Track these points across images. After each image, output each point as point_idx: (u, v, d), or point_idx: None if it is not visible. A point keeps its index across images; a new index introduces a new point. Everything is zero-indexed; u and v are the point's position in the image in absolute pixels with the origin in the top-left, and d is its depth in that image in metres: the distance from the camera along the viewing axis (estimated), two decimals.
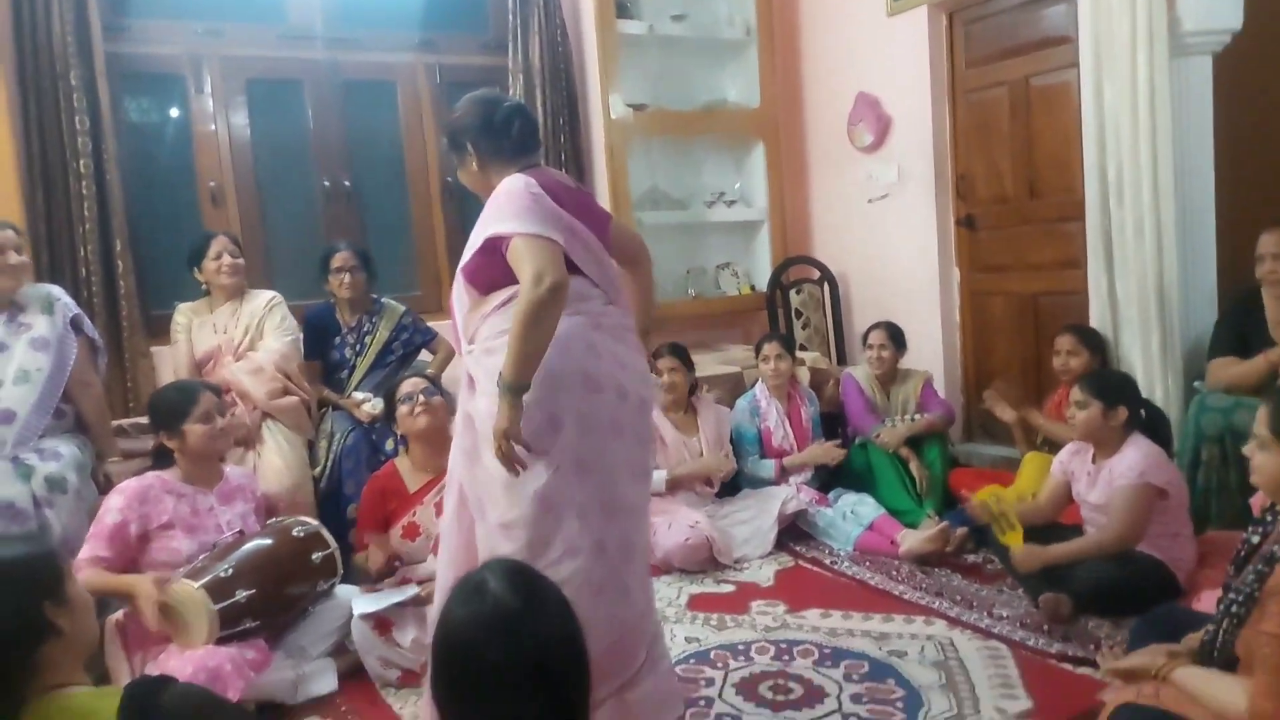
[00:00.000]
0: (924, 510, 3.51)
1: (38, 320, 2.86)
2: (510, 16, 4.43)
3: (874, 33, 4.56)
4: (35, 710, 1.20)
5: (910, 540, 3.28)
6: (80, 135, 3.56)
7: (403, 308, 3.72)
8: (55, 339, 2.87)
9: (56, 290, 2.97)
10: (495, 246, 1.95)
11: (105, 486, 2.93)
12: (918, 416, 3.81)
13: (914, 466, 3.66)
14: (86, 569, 2.40)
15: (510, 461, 1.91)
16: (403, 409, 2.91)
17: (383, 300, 3.70)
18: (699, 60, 5.00)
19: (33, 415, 2.77)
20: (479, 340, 2.03)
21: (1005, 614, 2.74)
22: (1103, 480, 2.72)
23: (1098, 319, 3.58)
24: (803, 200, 5.15)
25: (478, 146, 2.12)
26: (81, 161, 3.57)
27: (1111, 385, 2.79)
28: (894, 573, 3.18)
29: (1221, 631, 1.72)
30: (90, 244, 3.61)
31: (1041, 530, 2.84)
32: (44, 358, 2.83)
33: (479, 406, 2.00)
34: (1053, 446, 3.35)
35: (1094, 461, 2.78)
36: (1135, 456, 2.65)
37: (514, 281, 1.92)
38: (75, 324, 2.95)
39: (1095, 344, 3.44)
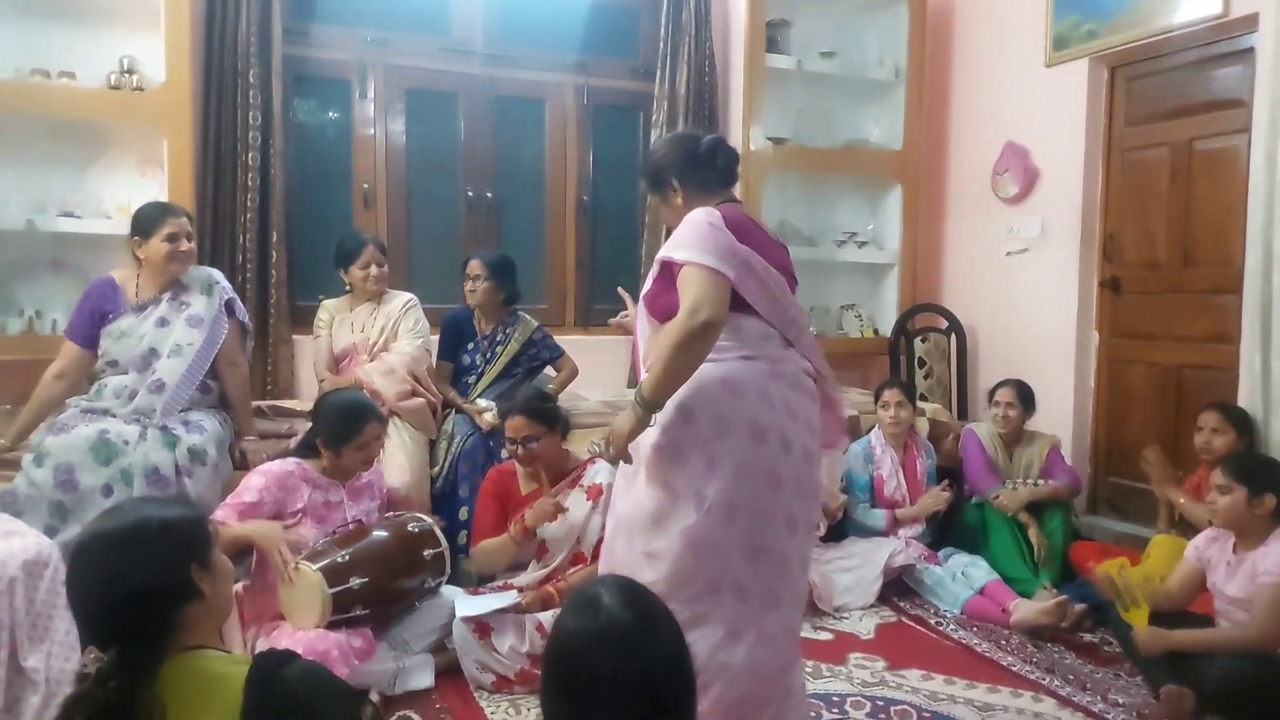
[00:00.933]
0: (1040, 581, 3.36)
1: (197, 300, 3.04)
2: (661, 44, 4.51)
3: (1029, 82, 4.44)
4: (171, 668, 1.27)
5: (1024, 610, 3.15)
6: (252, 130, 3.80)
7: (536, 323, 3.80)
8: (210, 318, 3.04)
9: (217, 274, 3.16)
10: (671, 276, 1.97)
11: (239, 462, 3.09)
12: (1041, 482, 3.66)
13: (1033, 533, 3.51)
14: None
15: (627, 454, 1.99)
16: (508, 446, 2.98)
17: (519, 313, 3.79)
18: (844, 98, 4.97)
19: (180, 386, 2.94)
20: None
21: (1122, 701, 2.59)
22: (1244, 573, 2.54)
23: (1247, 399, 3.37)
24: (936, 247, 5.04)
25: (684, 181, 2.14)
26: (250, 155, 3.81)
27: (1259, 470, 2.62)
28: (1003, 642, 3.05)
29: None
30: (249, 233, 3.84)
31: (1168, 617, 2.67)
32: (198, 334, 3.00)
33: (648, 435, 2.01)
34: (1184, 529, 3.17)
35: (1235, 551, 2.61)
36: None
37: None
38: (229, 306, 3.12)
39: (1242, 424, 3.24)
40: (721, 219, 1.98)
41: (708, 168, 2.13)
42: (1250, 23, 3.46)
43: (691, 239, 1.94)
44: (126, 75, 3.58)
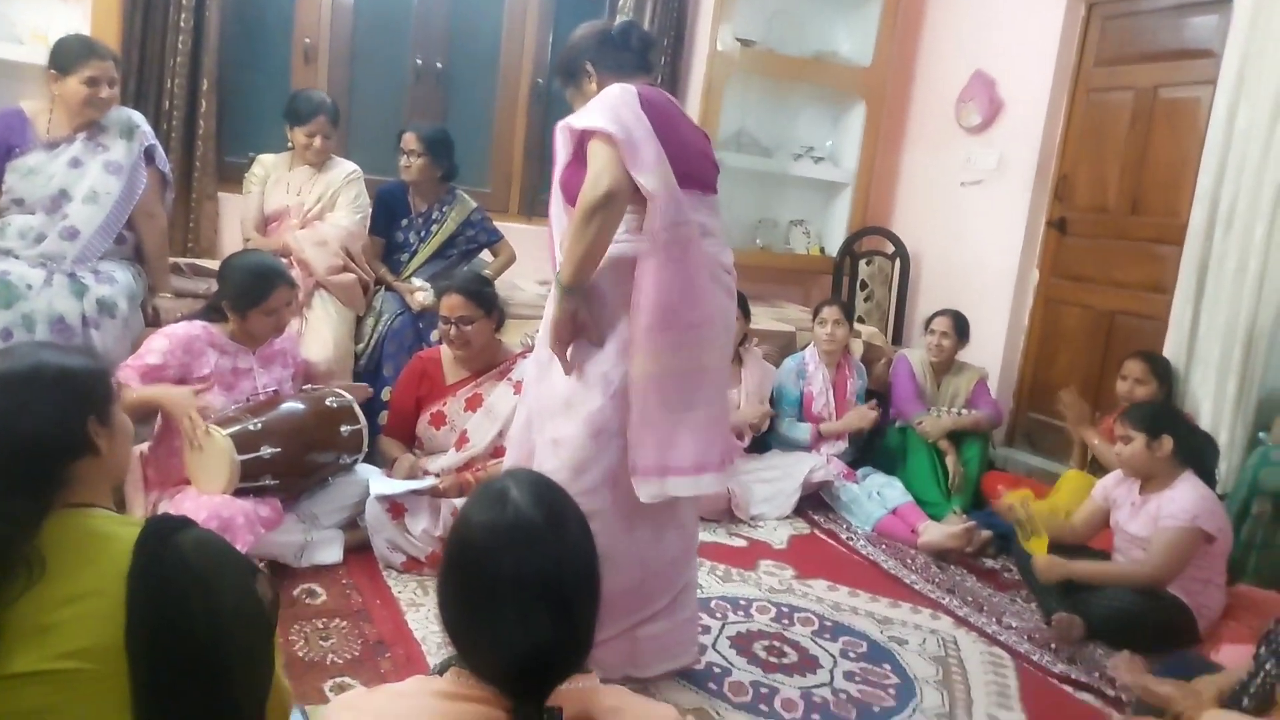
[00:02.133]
0: (951, 506, 3.44)
1: (115, 144, 2.86)
2: None
3: (1006, 10, 4.34)
4: (55, 523, 1.20)
5: (932, 532, 3.22)
6: None
7: (475, 204, 3.66)
8: (129, 166, 2.87)
9: (138, 117, 2.96)
10: (583, 154, 1.89)
11: (152, 319, 2.97)
12: (965, 411, 3.72)
13: (950, 461, 3.58)
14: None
15: (563, 350, 1.94)
16: (441, 326, 2.88)
17: (457, 191, 3.65)
18: (819, 5, 4.82)
19: (96, 236, 2.79)
20: None
21: (1015, 624, 2.68)
22: (1147, 513, 2.62)
23: (1172, 349, 3.44)
24: (893, 170, 4.99)
25: (597, 64, 2.07)
26: None
27: (1155, 415, 2.70)
28: (909, 561, 3.13)
29: (1264, 673, 1.68)
30: (178, 78, 3.61)
31: (1068, 550, 2.76)
32: (115, 182, 2.83)
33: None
34: (1095, 469, 3.25)
35: (1140, 492, 2.69)
36: (1190, 496, 2.55)
37: None
38: (149, 154, 2.95)
39: (1165, 375, 3.31)
40: (636, 94, 1.90)
41: (623, 49, 2.07)
42: None
43: (601, 107, 1.88)
44: None
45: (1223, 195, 3.30)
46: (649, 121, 1.87)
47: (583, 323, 1.95)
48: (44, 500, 1.20)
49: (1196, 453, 2.68)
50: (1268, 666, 1.87)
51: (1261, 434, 3.14)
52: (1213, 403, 3.27)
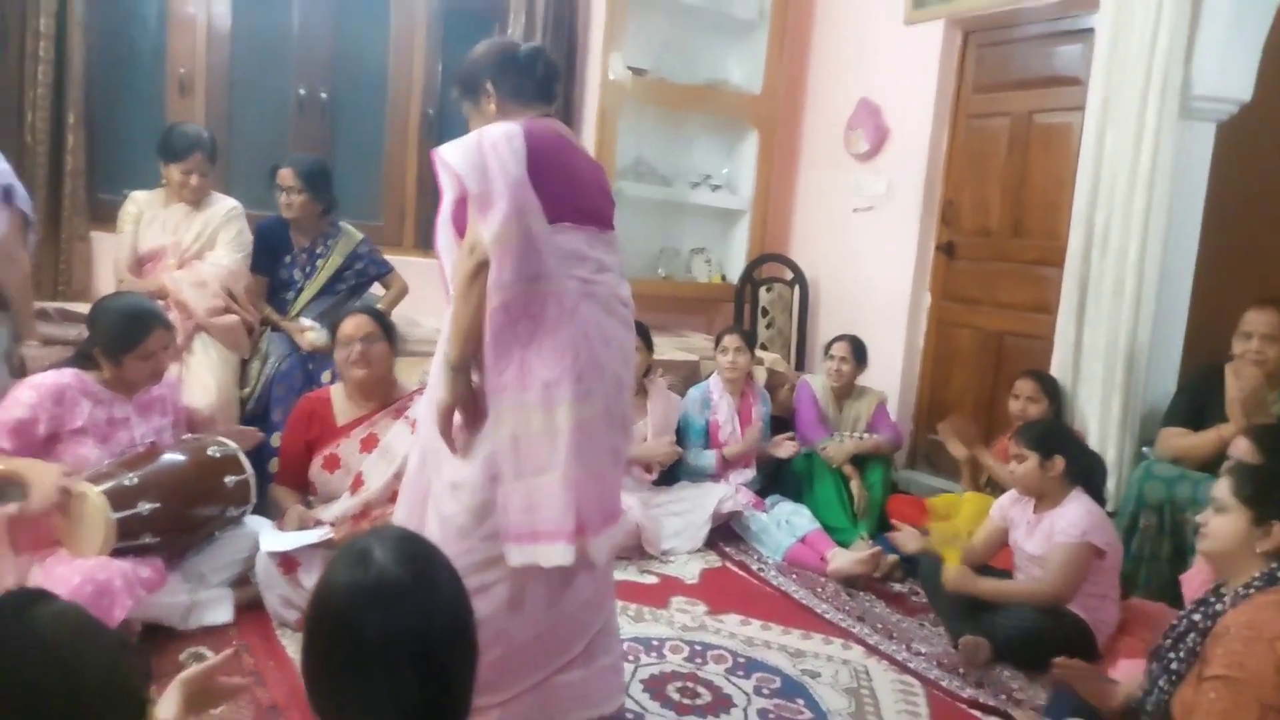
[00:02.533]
0: (858, 531, 3.48)
1: None
2: None
3: (887, 39, 4.48)
4: None
5: (840, 559, 3.24)
6: None
7: (361, 235, 3.55)
8: None
9: None
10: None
11: (18, 370, 2.76)
12: (866, 435, 3.77)
13: (854, 485, 3.62)
14: None
15: (449, 436, 1.87)
16: (339, 353, 2.77)
17: (340, 225, 3.53)
18: (707, 34, 4.87)
19: None
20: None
21: (924, 650, 2.71)
22: (1041, 531, 2.69)
23: (1059, 368, 3.57)
24: (788, 197, 5.07)
25: (498, 86, 2.01)
26: (43, 20, 3.35)
27: (1048, 435, 2.78)
28: (819, 590, 3.14)
29: (1158, 690, 1.71)
30: (40, 111, 3.40)
31: (975, 569, 2.81)
32: None
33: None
34: (995, 489, 3.34)
35: (1035, 511, 2.76)
36: (1078, 513, 2.63)
37: None
38: (7, 193, 2.75)
39: (1055, 393, 3.43)
40: (523, 135, 1.85)
41: (526, 75, 2.02)
42: (1091, 3, 3.56)
43: (465, 149, 1.83)
44: None
45: (1097, 217, 3.45)
46: (528, 164, 1.82)
47: (469, 402, 1.88)
48: None
49: (1086, 471, 2.77)
50: (1160, 683, 1.93)
51: (1145, 449, 3.27)
52: (1099, 420, 3.39)
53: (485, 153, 1.81)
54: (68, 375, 2.43)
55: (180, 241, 3.17)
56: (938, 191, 4.34)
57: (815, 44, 4.93)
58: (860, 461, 3.69)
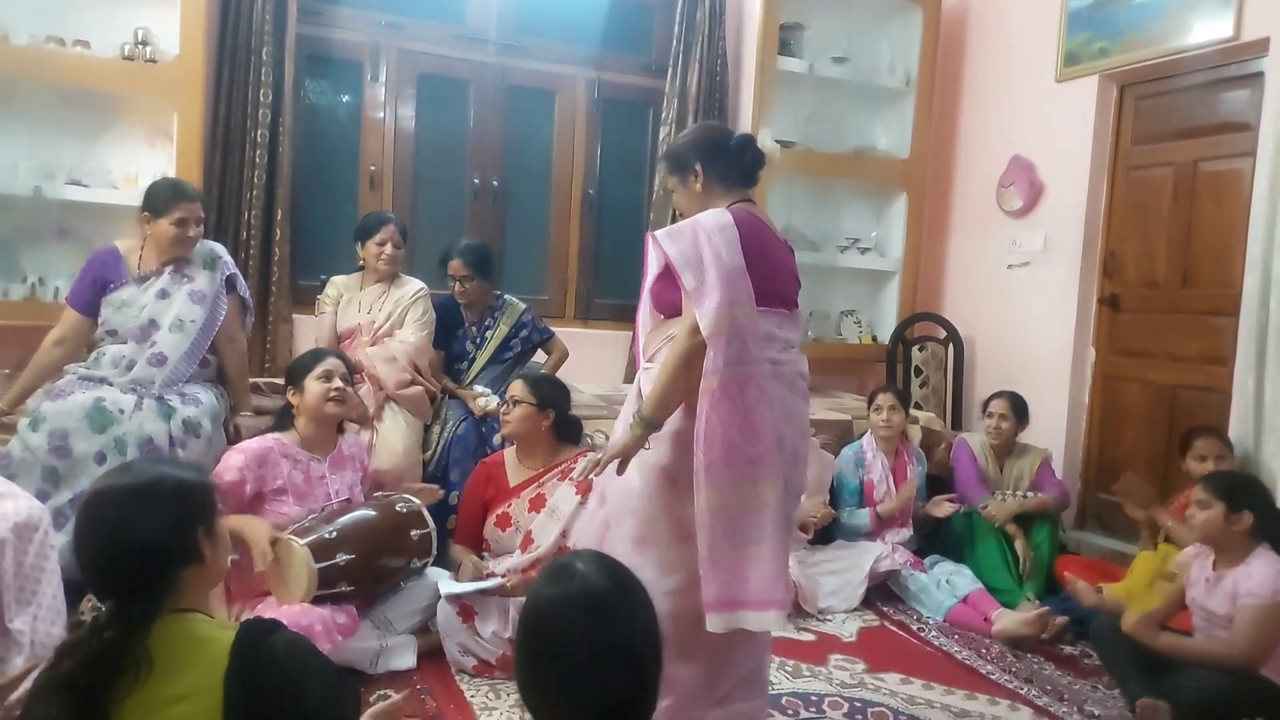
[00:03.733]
0: (1024, 592, 3.38)
1: (199, 275, 3.05)
2: (675, 42, 4.53)
3: (1038, 97, 4.46)
4: (162, 626, 1.28)
5: (1006, 620, 3.16)
6: (262, 107, 3.82)
7: (523, 305, 3.83)
8: (211, 294, 3.05)
9: (219, 248, 3.17)
10: (675, 273, 2.00)
11: (234, 437, 3.10)
12: (1030, 494, 3.68)
13: (1019, 545, 3.53)
14: None
15: (601, 470, 2.05)
16: (504, 411, 3.01)
17: (505, 297, 3.81)
18: (854, 104, 4.99)
19: (182, 362, 2.96)
20: (658, 360, 2.08)
21: (1098, 712, 2.61)
22: (1222, 590, 2.56)
23: (1238, 421, 3.38)
24: (939, 257, 5.06)
25: (706, 168, 2.16)
26: (259, 132, 3.83)
27: (1239, 487, 2.64)
28: (984, 651, 3.07)
29: None
30: (255, 210, 3.86)
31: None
32: (199, 310, 3.01)
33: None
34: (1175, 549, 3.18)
35: (1214, 568, 2.62)
36: (1267, 573, 2.48)
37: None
38: (230, 282, 3.13)
39: (1232, 449, 3.26)
40: (733, 222, 2.00)
41: (734, 161, 2.16)
42: (1261, 47, 3.48)
43: (683, 239, 1.98)
44: (141, 46, 3.59)
45: (1274, 262, 3.30)
46: (741, 252, 1.97)
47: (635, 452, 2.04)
48: (156, 605, 1.29)
49: (1275, 529, 2.62)
50: None
51: None
52: None
53: (701, 244, 1.97)
54: (269, 440, 2.73)
55: (374, 320, 3.49)
56: (1098, 245, 4.24)
57: (964, 106, 4.96)
58: (1024, 521, 3.59)
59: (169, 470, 1.40)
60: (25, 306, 3.49)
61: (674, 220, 2.18)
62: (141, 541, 1.30)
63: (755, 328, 1.98)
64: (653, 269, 2.11)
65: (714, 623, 1.94)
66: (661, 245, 2.01)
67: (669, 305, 2.09)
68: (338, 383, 2.77)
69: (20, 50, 3.44)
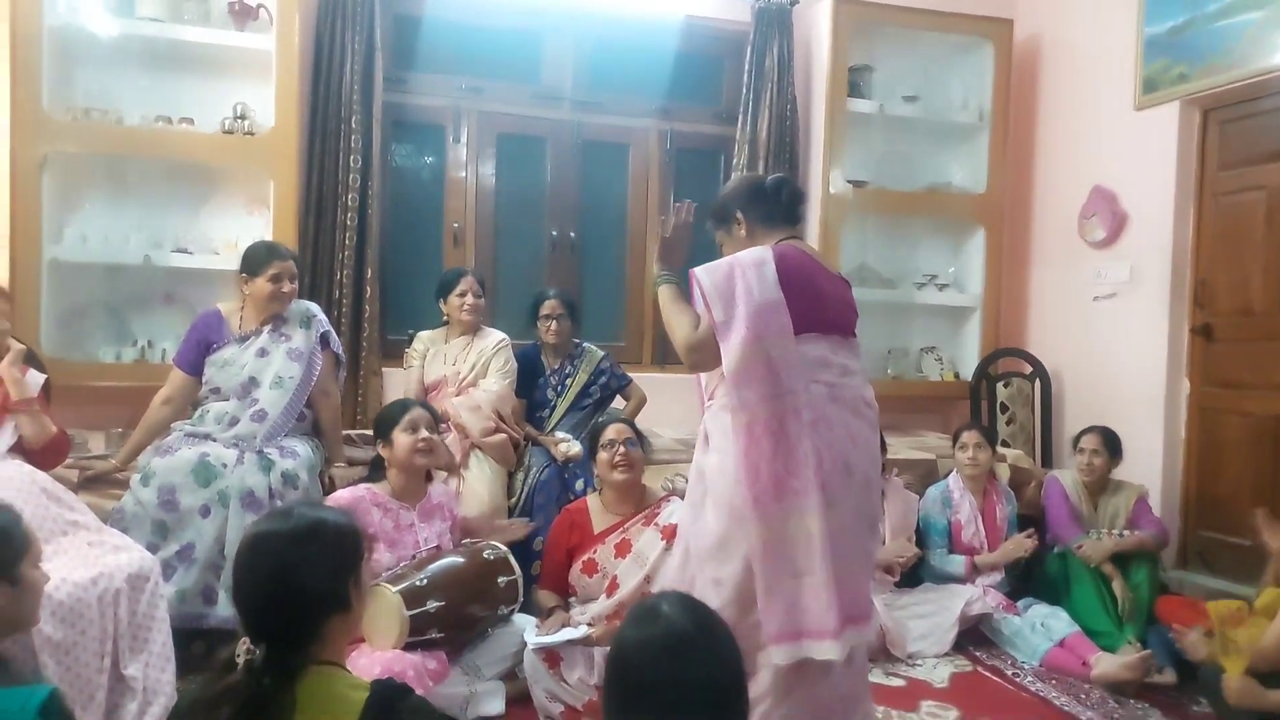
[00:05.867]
0: (1124, 635, 3.25)
1: (296, 333, 3.21)
2: (744, 90, 4.60)
3: (1117, 126, 4.38)
4: (307, 679, 1.30)
5: (1106, 664, 3.05)
6: (352, 173, 4.02)
7: (602, 353, 3.90)
8: (307, 351, 3.19)
9: (315, 307, 3.32)
10: None
11: (329, 488, 3.23)
12: (1127, 533, 3.55)
13: (1117, 586, 3.40)
14: None
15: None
16: (603, 455, 3.02)
17: (584, 345, 3.90)
18: (926, 141, 4.97)
19: (281, 417, 3.10)
20: (719, 397, 2.11)
21: None
22: None
23: None
24: (1021, 291, 4.97)
25: (747, 214, 2.25)
26: (350, 196, 4.02)
27: None
28: (1083, 696, 2.97)
29: None
30: (346, 270, 4.04)
31: (1263, 677, 2.56)
32: (297, 367, 3.16)
33: (710, 462, 2.09)
34: None
35: None
36: None
37: None
38: (325, 339, 3.28)
39: None
40: (772, 258, 2.05)
41: (772, 202, 2.23)
42: None
43: (717, 275, 2.06)
44: (239, 120, 3.83)
45: None
46: (780, 286, 2.02)
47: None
48: (306, 654, 1.31)
49: None
50: None
51: None
52: None
53: (735, 278, 2.03)
54: (361, 490, 2.83)
55: (459, 372, 3.61)
56: (1187, 273, 4.12)
57: (1040, 138, 4.90)
58: (1122, 561, 3.46)
59: (328, 515, 1.40)
60: (135, 368, 3.71)
61: None
62: (300, 586, 1.30)
63: (791, 358, 2.00)
64: (699, 303, 2.15)
65: (779, 655, 1.94)
66: (698, 279, 2.07)
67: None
68: (424, 433, 2.86)
69: (133, 131, 3.71)
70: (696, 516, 2.14)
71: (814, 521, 1.95)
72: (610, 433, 3.03)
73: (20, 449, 2.65)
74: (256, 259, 3.16)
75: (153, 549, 2.73)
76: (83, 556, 2.39)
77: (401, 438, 2.84)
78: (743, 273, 2.03)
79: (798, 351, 2.03)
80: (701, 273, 2.09)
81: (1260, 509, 3.21)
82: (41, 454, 2.68)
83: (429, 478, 3.00)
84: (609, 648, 1.26)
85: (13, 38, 3.46)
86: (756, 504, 1.96)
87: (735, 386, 1.99)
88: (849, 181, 4.62)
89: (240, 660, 1.28)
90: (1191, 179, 4.11)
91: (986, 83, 4.77)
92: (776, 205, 2.23)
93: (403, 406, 2.93)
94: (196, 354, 3.16)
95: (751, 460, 1.97)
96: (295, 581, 1.30)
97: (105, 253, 3.72)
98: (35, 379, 2.73)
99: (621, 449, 2.98)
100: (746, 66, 4.59)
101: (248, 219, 3.99)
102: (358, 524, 1.46)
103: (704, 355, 2.06)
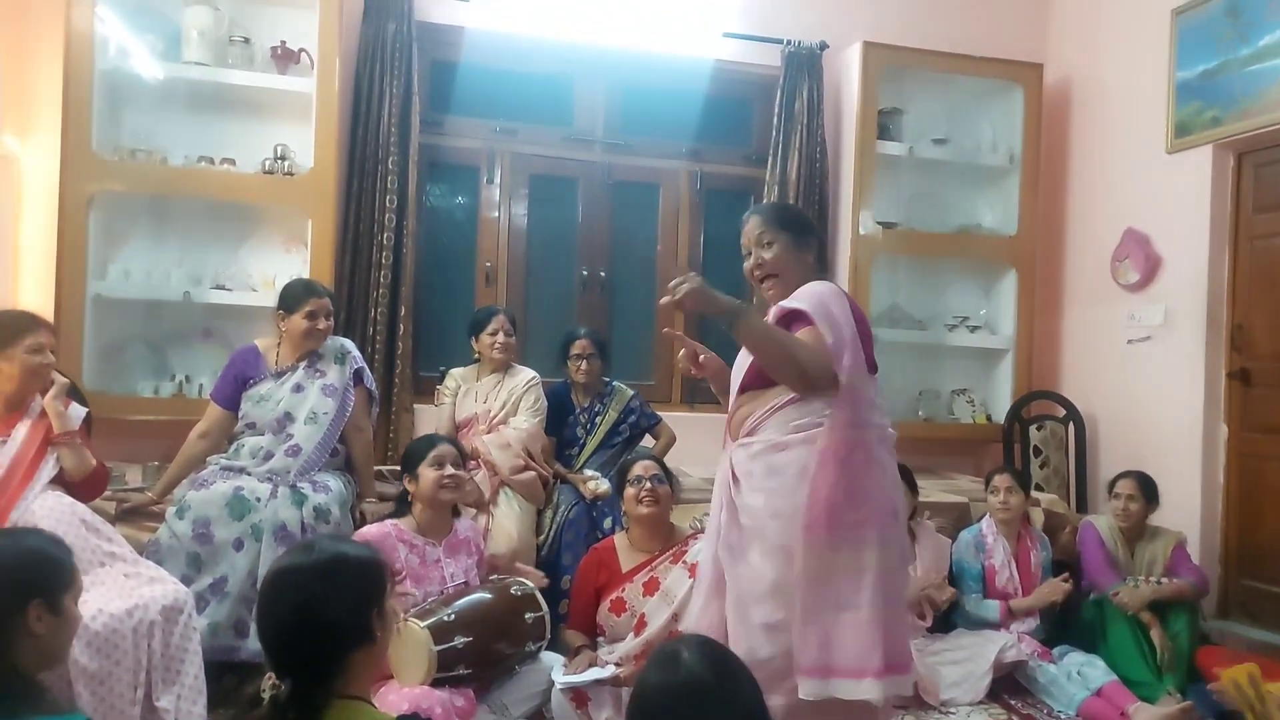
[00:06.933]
0: (1164, 686, 3.17)
1: (331, 369, 3.25)
2: (774, 133, 4.65)
3: (1149, 169, 4.37)
4: (332, 713, 1.30)
5: (1145, 715, 2.98)
6: (388, 213, 4.09)
7: (631, 391, 3.92)
8: (342, 387, 3.23)
9: (349, 344, 3.37)
10: (787, 325, 2.07)
11: (360, 522, 3.24)
12: (1165, 580, 3.48)
13: (1156, 634, 3.32)
14: None
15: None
16: (630, 490, 3.03)
17: (613, 384, 3.92)
18: (956, 184, 4.98)
19: (315, 452, 3.14)
20: (762, 434, 2.07)
21: None
22: None
23: None
24: (1053, 333, 4.94)
25: (817, 250, 2.28)
26: (385, 235, 4.09)
27: None
28: None
29: None
30: (380, 308, 4.10)
31: None
32: (331, 403, 3.20)
33: (750, 502, 2.05)
34: None
35: None
36: None
37: None
38: (358, 375, 3.32)
39: None
40: (844, 294, 2.08)
41: (821, 249, 2.28)
42: None
43: (810, 300, 2.04)
44: (280, 161, 3.93)
45: None
46: (854, 319, 2.04)
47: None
48: (331, 688, 1.30)
49: None
50: None
51: None
52: None
53: (829, 305, 2.04)
54: (388, 525, 2.84)
55: (490, 409, 3.64)
56: (1223, 317, 4.08)
57: (1071, 180, 4.90)
58: (1160, 609, 3.39)
59: (350, 549, 1.41)
60: (173, 403, 3.77)
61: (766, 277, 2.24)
62: (323, 620, 1.31)
63: (869, 393, 2.02)
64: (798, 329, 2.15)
65: (805, 689, 1.91)
66: (794, 304, 2.06)
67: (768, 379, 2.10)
68: (450, 469, 2.87)
69: (176, 171, 3.81)
70: (736, 560, 2.08)
71: (870, 556, 1.94)
72: (638, 469, 3.04)
73: (61, 481, 2.68)
74: (293, 296, 3.21)
75: (187, 581, 2.75)
76: (119, 587, 2.43)
77: (427, 473, 2.85)
78: (834, 301, 2.05)
79: (870, 386, 2.05)
80: (793, 301, 2.08)
81: None
82: (82, 486, 2.72)
83: (456, 513, 3.01)
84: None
85: (66, 81, 3.59)
86: (808, 531, 1.94)
87: (834, 406, 1.97)
88: (879, 223, 4.63)
89: (265, 695, 1.28)
90: (1226, 222, 4.09)
91: (1017, 125, 4.79)
92: (822, 253, 2.28)
93: (429, 442, 2.94)
94: (233, 389, 3.21)
95: (815, 486, 1.95)
96: (318, 615, 1.30)
97: (147, 289, 3.81)
98: (77, 412, 2.78)
99: (648, 484, 2.99)
100: (776, 109, 4.64)
101: (286, 257, 4.06)
102: (380, 556, 1.46)
103: (829, 376, 1.99)
